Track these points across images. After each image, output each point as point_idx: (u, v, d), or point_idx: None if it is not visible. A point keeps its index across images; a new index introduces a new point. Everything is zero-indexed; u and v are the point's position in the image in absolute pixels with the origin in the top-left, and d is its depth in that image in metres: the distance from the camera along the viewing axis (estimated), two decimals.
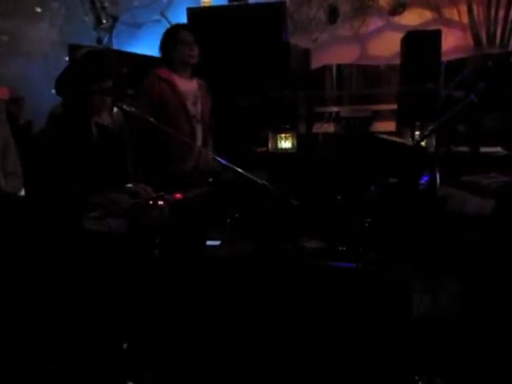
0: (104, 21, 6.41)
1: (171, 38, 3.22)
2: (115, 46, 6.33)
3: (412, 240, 2.78)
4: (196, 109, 3.25)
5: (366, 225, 2.89)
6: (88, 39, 6.05)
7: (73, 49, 4.60)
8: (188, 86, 3.25)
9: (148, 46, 5.99)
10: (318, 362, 2.24)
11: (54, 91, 2.46)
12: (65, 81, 2.40)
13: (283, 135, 4.26)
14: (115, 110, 3.00)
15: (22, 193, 2.48)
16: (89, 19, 6.37)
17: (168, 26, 6.30)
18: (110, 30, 6.44)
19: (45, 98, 3.49)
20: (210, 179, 2.98)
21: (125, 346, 2.10)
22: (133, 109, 2.49)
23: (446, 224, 2.69)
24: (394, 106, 5.03)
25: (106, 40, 6.39)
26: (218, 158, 2.46)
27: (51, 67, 5.34)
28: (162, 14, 6.46)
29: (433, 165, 2.59)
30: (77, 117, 2.40)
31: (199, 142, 3.23)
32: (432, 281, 2.42)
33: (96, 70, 2.39)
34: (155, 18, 6.49)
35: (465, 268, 2.49)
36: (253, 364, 2.25)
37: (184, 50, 3.17)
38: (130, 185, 2.47)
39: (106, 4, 6.45)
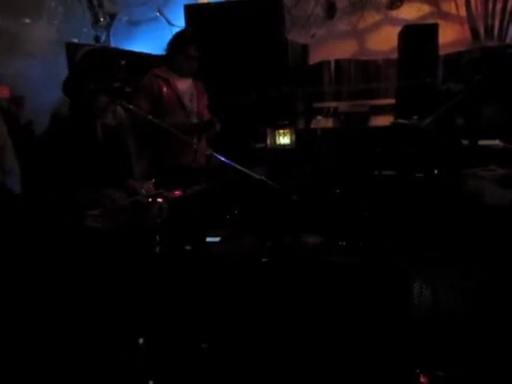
0: (101, 19, 6.41)
1: (178, 48, 3.29)
2: (113, 44, 6.34)
3: (415, 233, 2.79)
4: (192, 105, 3.33)
5: (366, 216, 2.90)
6: (86, 37, 6.05)
7: (70, 47, 4.60)
8: (184, 84, 3.34)
9: (146, 43, 6.00)
10: (320, 356, 2.24)
11: (52, 89, 2.47)
12: (71, 82, 2.41)
13: (282, 131, 4.26)
14: (118, 108, 3.03)
15: (20, 191, 2.49)
16: (86, 17, 6.36)
17: (165, 23, 6.36)
18: (108, 27, 6.44)
19: (44, 97, 3.49)
20: (209, 176, 2.99)
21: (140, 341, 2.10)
22: (131, 106, 2.50)
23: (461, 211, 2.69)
24: (393, 101, 5.03)
25: (103, 38, 6.39)
26: (217, 155, 2.47)
27: (50, 66, 5.35)
28: (160, 12, 6.46)
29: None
30: (83, 118, 2.41)
31: (195, 137, 3.29)
32: (433, 274, 2.43)
33: (96, 69, 2.40)
34: (153, 16, 6.49)
35: (477, 259, 2.49)
36: (255, 358, 2.25)
37: (186, 63, 3.27)
38: (130, 181, 2.48)
39: (104, 2, 6.45)
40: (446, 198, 3.03)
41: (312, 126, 5.11)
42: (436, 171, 2.87)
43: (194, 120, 3.34)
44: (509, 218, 2.60)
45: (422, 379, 2.08)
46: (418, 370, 2.10)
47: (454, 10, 5.84)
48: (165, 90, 3.23)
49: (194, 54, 3.29)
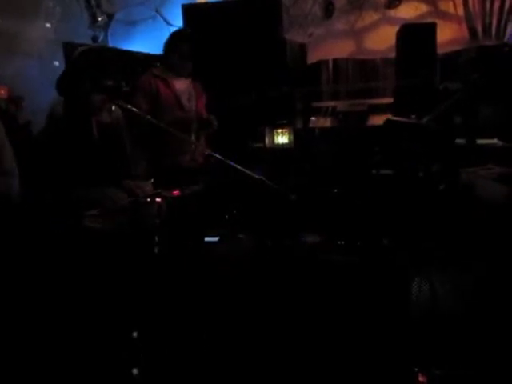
0: (99, 18, 6.41)
1: (172, 47, 3.29)
2: (110, 44, 6.33)
3: (415, 229, 2.79)
4: (190, 105, 3.32)
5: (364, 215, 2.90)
6: (83, 37, 6.04)
7: (68, 47, 4.60)
8: (182, 84, 3.34)
9: (143, 43, 6.00)
10: (319, 354, 2.25)
11: (50, 89, 2.47)
12: (65, 82, 2.41)
13: (280, 130, 4.25)
14: (113, 107, 3.03)
15: (18, 192, 2.48)
16: (84, 17, 6.36)
17: (163, 23, 6.35)
18: (105, 27, 6.44)
19: (41, 96, 3.49)
20: (208, 176, 2.99)
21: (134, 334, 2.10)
22: (129, 106, 2.50)
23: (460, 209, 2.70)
24: (391, 100, 5.03)
25: (101, 38, 6.39)
26: (215, 154, 2.47)
27: (48, 65, 5.34)
28: (158, 11, 6.45)
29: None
30: (78, 117, 2.41)
31: (193, 137, 3.30)
32: (431, 271, 2.44)
33: (93, 68, 2.40)
34: (150, 15, 6.48)
35: (474, 255, 2.50)
36: (252, 357, 2.25)
37: (180, 62, 3.26)
38: (127, 181, 2.48)
39: (102, 2, 6.44)
40: (443, 195, 3.04)
41: (310, 125, 5.10)
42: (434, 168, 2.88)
43: (192, 121, 3.34)
44: (505, 214, 2.60)
45: (421, 378, 2.08)
46: (416, 369, 2.10)
47: (451, 9, 5.84)
48: (162, 89, 3.22)
49: (188, 54, 3.28)
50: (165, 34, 5.62)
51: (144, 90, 3.20)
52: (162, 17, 6.39)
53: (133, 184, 2.45)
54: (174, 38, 3.36)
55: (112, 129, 2.58)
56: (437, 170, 2.97)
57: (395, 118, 3.46)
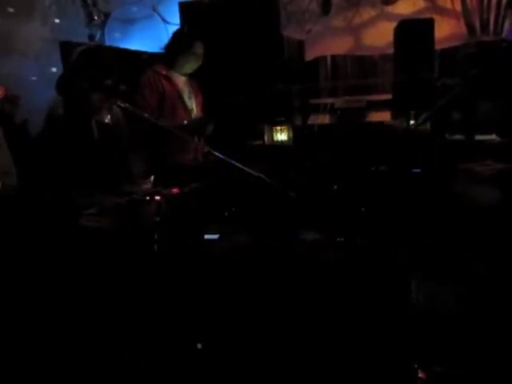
0: (96, 17, 6.38)
1: (183, 45, 3.25)
2: (107, 43, 6.31)
3: (413, 227, 2.79)
4: (191, 103, 3.33)
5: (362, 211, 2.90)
6: (80, 36, 6.02)
7: (64, 46, 4.58)
8: (182, 82, 3.33)
9: (141, 41, 5.98)
10: (318, 351, 2.24)
11: (47, 88, 2.46)
12: (64, 82, 2.41)
13: (279, 128, 4.25)
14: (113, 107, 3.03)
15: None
16: (80, 16, 6.34)
17: (160, 21, 6.34)
18: (102, 26, 6.41)
19: (38, 95, 3.48)
20: (207, 173, 2.98)
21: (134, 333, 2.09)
22: (127, 105, 2.49)
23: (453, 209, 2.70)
24: (389, 96, 5.02)
25: (98, 36, 6.37)
26: (215, 152, 2.47)
27: (44, 65, 5.33)
28: (154, 9, 6.44)
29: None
30: (78, 117, 2.40)
31: (195, 136, 3.29)
32: (431, 268, 2.44)
33: (92, 68, 2.40)
34: (147, 14, 6.46)
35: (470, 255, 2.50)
36: (252, 357, 2.25)
37: (190, 61, 3.24)
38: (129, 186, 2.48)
39: (98, 0, 6.42)
40: (441, 193, 3.04)
41: (309, 122, 5.10)
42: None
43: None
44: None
45: (421, 375, 2.08)
46: (416, 366, 2.10)
47: (449, 5, 5.83)
48: (167, 87, 3.22)
49: (200, 52, 3.27)
50: (162, 32, 5.60)
51: (151, 87, 3.19)
52: (159, 15, 6.37)
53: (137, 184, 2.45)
54: (184, 37, 3.31)
55: (112, 128, 2.58)
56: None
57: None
